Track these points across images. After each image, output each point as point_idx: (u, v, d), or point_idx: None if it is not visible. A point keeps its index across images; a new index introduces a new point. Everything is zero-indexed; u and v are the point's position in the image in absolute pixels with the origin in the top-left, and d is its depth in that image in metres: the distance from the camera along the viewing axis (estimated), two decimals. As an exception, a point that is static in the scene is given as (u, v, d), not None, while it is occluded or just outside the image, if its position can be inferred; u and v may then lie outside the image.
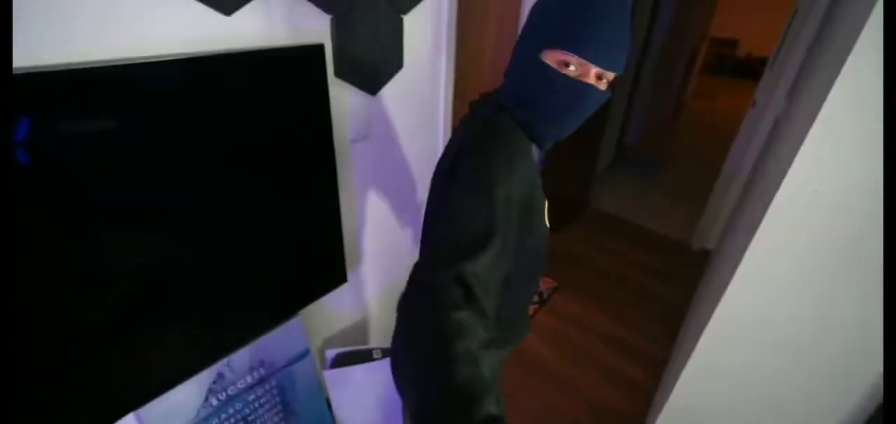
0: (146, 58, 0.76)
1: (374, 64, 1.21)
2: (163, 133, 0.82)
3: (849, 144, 0.78)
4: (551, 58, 0.61)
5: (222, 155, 0.93)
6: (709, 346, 1.14)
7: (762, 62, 2.41)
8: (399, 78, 1.31)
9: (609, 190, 3.60)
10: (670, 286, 2.53)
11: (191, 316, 1.02)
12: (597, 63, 0.59)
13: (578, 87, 0.60)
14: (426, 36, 1.36)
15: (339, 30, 1.07)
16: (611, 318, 2.26)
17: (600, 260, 2.76)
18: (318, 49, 1.01)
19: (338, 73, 1.13)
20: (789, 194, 0.86)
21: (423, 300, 0.53)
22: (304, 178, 1.12)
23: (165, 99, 0.80)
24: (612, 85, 0.65)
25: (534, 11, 0.64)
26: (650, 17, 3.33)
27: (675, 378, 1.30)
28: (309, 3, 1.00)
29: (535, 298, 2.36)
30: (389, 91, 1.31)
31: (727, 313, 1.05)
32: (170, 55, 0.79)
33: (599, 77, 0.61)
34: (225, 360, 1.15)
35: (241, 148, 0.95)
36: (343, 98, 1.18)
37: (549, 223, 0.80)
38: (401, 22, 1.23)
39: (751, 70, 7.25)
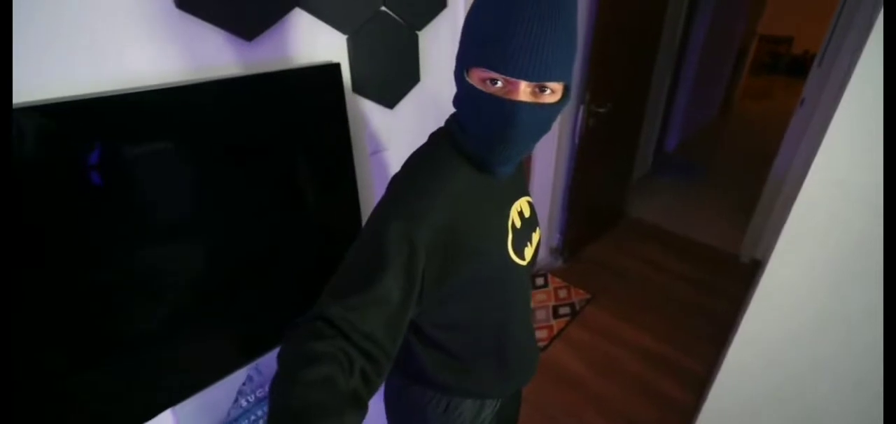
0: (144, 87, 0.80)
1: (390, 79, 1.25)
2: (193, 154, 0.89)
3: (872, 137, 0.72)
4: (475, 76, 0.55)
5: (250, 171, 0.99)
6: (739, 355, 1.07)
7: (815, 58, 2.26)
8: (416, 91, 1.36)
9: (647, 198, 3.46)
10: (715, 299, 2.38)
11: (224, 322, 1.09)
12: (522, 76, 0.51)
13: (506, 106, 0.52)
14: (442, 50, 1.39)
15: (355, 48, 1.12)
16: (649, 332, 2.16)
17: (637, 270, 2.65)
18: (335, 67, 1.07)
19: (355, 89, 1.18)
20: (815, 189, 0.80)
21: (294, 331, 0.51)
22: (327, 189, 1.18)
23: (190, 121, 0.88)
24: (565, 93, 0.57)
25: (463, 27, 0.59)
26: (686, 17, 3.20)
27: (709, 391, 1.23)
28: (325, 24, 1.06)
29: (567, 311, 2.30)
30: (407, 104, 1.35)
31: (755, 319, 0.99)
32: (181, 82, 0.85)
33: (541, 89, 0.53)
34: (254, 363, 1.21)
35: (267, 163, 1.02)
36: (362, 112, 1.24)
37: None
38: (416, 38, 1.27)
39: (806, 67, 6.82)
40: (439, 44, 1.37)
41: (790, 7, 6.56)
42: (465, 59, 0.56)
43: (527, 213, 0.74)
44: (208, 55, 0.90)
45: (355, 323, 0.49)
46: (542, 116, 0.55)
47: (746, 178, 3.70)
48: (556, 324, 2.21)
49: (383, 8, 1.16)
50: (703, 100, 4.64)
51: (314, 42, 1.07)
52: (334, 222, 1.24)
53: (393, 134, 1.35)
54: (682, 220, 3.16)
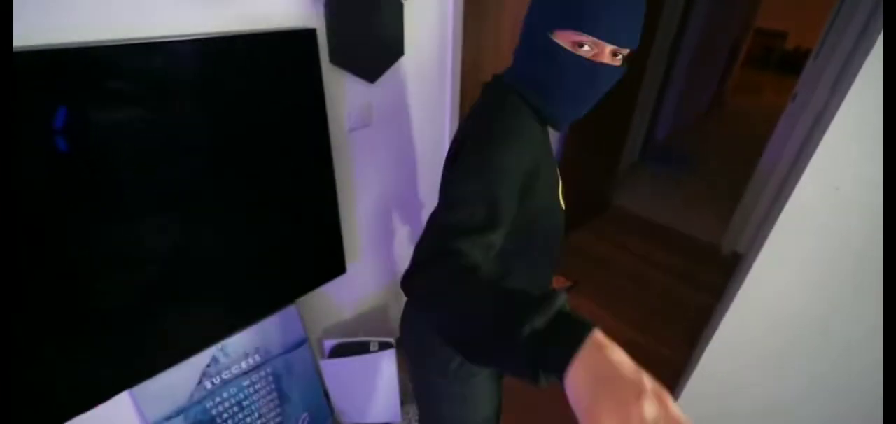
0: (122, 40, 0.75)
1: (371, 50, 1.18)
2: (149, 119, 0.82)
3: (871, 139, 0.68)
4: (564, 38, 0.58)
5: (214, 142, 0.92)
6: (716, 353, 1.06)
7: (810, 54, 2.23)
8: (401, 65, 1.28)
9: (634, 187, 3.45)
10: (696, 290, 2.39)
11: (187, 301, 1.03)
12: (613, 41, 0.56)
13: (593, 68, 0.58)
14: (430, 21, 1.31)
15: (333, 15, 1.04)
16: (629, 323, 2.16)
17: (621, 260, 2.64)
18: (310, 33, 0.99)
19: (333, 60, 1.10)
20: (810, 190, 0.77)
21: (429, 266, 0.51)
22: (300, 166, 1.11)
23: (148, 83, 0.80)
24: (627, 60, 0.63)
25: None
26: (685, 6, 3.14)
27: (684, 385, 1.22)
28: (300, -13, 0.98)
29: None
30: (390, 78, 1.27)
31: (737, 317, 0.97)
32: (147, 38, 0.78)
33: (615, 54, 0.59)
34: (220, 345, 1.16)
35: (232, 135, 0.95)
36: (340, 85, 1.16)
37: (566, 210, 0.78)
38: (401, 7, 1.19)
39: (798, 64, 6.85)
40: (426, 15, 1.30)
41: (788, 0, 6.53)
42: (554, 20, 0.58)
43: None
44: (164, 11, 0.82)
45: (480, 257, 0.51)
46: (615, 78, 0.61)
47: (733, 171, 3.71)
48: (538, 311, 2.20)
49: (366, -27, 1.08)
50: (695, 92, 4.61)
51: (287, 5, 0.98)
52: (308, 201, 1.17)
53: (374, 109, 1.28)
54: (666, 210, 3.16)
